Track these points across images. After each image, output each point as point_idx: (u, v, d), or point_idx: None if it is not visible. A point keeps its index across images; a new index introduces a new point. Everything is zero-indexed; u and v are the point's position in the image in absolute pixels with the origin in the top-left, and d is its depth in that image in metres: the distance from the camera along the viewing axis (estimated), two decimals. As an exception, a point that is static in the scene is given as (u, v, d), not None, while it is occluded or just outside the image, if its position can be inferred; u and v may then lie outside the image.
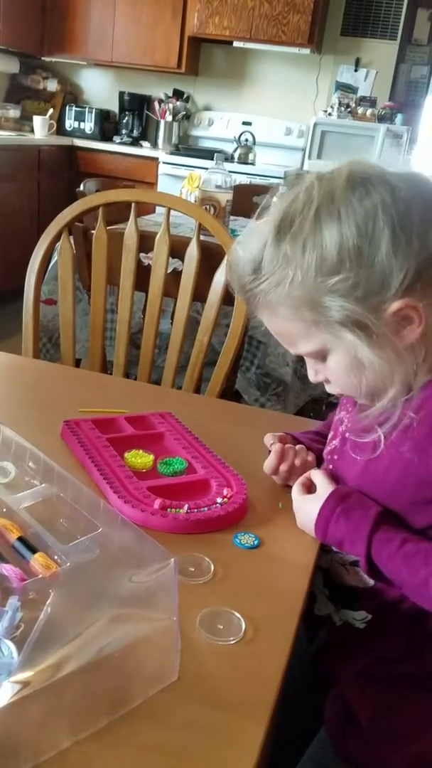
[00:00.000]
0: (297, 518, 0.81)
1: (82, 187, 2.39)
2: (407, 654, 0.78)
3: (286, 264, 0.66)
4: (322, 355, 0.72)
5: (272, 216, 0.68)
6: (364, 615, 0.81)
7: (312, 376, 0.77)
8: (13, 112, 4.58)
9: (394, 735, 0.76)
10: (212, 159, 2.56)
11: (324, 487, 0.79)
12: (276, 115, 4.57)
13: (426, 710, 0.77)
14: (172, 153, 4.35)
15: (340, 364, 0.71)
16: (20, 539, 0.66)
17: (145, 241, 1.51)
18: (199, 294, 1.47)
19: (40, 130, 4.40)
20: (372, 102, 4.22)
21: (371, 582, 0.78)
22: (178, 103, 4.65)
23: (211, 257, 1.45)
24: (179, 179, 3.51)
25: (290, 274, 0.66)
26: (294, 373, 2.00)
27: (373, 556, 0.72)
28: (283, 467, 0.87)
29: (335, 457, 0.84)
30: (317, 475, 0.82)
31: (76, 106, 4.74)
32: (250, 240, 0.69)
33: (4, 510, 0.72)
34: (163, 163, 4.27)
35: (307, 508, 0.78)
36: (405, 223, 0.63)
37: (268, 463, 0.88)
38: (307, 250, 0.65)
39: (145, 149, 4.53)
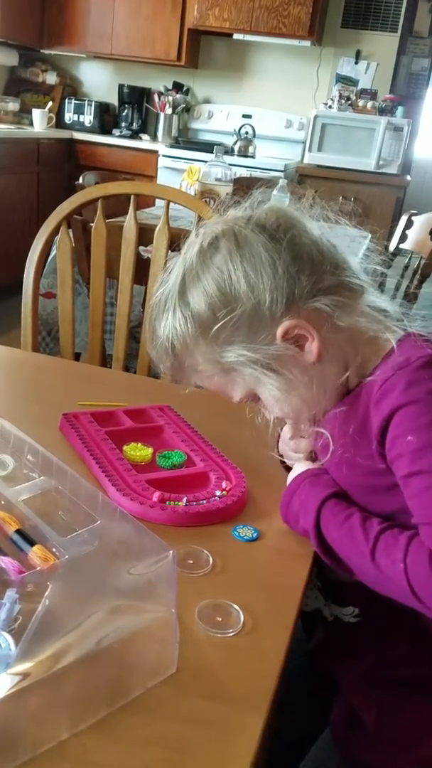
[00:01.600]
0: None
1: (81, 180, 2.39)
2: (409, 658, 0.78)
3: (177, 336, 0.74)
4: (254, 396, 0.77)
5: (162, 298, 0.76)
6: (352, 610, 0.81)
7: (267, 415, 0.80)
8: (12, 105, 4.56)
9: (400, 739, 0.76)
10: (212, 152, 2.55)
11: (304, 464, 0.82)
12: (276, 108, 4.56)
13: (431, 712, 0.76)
14: (171, 146, 4.33)
15: (267, 399, 0.76)
16: (18, 532, 0.66)
17: (145, 234, 1.50)
18: (199, 287, 1.46)
19: (39, 123, 4.39)
20: (372, 94, 4.21)
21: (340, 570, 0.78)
22: (178, 95, 4.63)
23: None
24: (179, 172, 3.50)
25: (185, 342, 0.74)
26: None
27: (322, 527, 0.73)
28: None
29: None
30: (300, 462, 0.84)
31: (76, 99, 4.72)
32: (153, 325, 0.77)
33: (3, 503, 0.72)
34: (163, 156, 4.25)
35: (288, 480, 0.81)
36: (252, 259, 0.70)
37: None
38: (186, 317, 0.73)
39: (144, 142, 4.51)
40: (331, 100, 4.17)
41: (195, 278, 0.72)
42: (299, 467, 0.82)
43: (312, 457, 0.84)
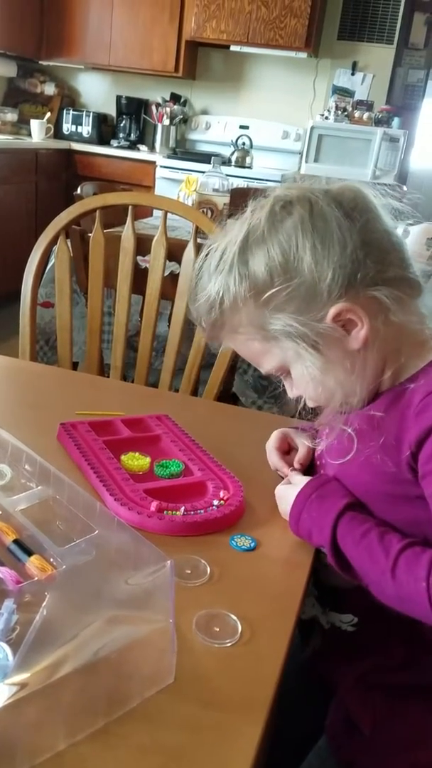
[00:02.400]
0: (279, 507, 0.82)
1: (79, 191, 2.40)
2: (406, 664, 0.78)
3: (229, 293, 0.72)
4: (285, 371, 0.76)
5: (217, 252, 0.74)
6: (351, 618, 0.81)
7: (289, 392, 0.79)
8: (11, 116, 4.59)
9: (396, 743, 0.76)
10: (209, 162, 2.56)
11: (303, 479, 0.80)
12: (273, 119, 4.58)
13: (428, 717, 0.76)
14: (169, 156, 4.35)
15: (300, 377, 0.75)
16: (16, 542, 0.66)
17: (143, 244, 1.51)
18: (196, 297, 1.47)
19: (37, 133, 4.41)
20: (369, 105, 4.23)
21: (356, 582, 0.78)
22: (176, 106, 4.66)
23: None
24: (177, 183, 3.52)
25: (235, 301, 0.72)
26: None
27: (339, 541, 0.72)
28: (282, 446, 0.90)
29: (322, 461, 0.84)
30: (297, 474, 0.83)
31: (74, 110, 4.74)
32: (202, 279, 0.75)
33: (0, 512, 0.72)
34: (161, 166, 4.27)
35: (288, 494, 0.80)
36: (324, 233, 0.69)
37: (269, 444, 0.91)
38: (242, 276, 0.71)
39: (142, 153, 4.53)
40: (328, 111, 4.19)
41: (260, 239, 0.70)
42: (297, 479, 0.81)
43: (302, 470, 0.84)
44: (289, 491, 0.80)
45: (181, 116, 4.69)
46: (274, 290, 0.69)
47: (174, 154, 4.44)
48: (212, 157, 2.68)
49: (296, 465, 0.86)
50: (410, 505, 0.70)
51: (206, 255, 0.75)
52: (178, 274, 1.49)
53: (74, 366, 1.67)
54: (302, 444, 0.89)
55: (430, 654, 0.77)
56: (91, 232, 1.51)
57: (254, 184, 3.83)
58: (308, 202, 0.70)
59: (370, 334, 0.70)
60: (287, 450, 0.90)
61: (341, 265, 0.68)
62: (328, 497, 0.75)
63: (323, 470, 0.83)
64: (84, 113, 4.69)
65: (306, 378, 0.74)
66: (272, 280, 0.69)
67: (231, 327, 0.75)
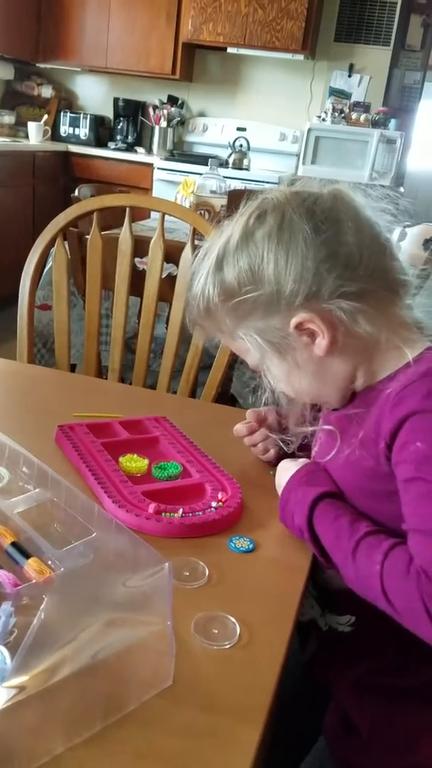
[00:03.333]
0: (277, 481, 0.85)
1: (76, 193, 2.40)
2: (402, 665, 0.78)
3: (205, 296, 0.77)
4: (261, 366, 0.80)
5: (203, 255, 0.79)
6: (348, 618, 0.81)
7: (267, 385, 0.83)
8: (8, 119, 4.59)
9: (393, 744, 0.76)
10: (207, 164, 2.57)
11: (303, 461, 0.84)
12: (270, 121, 4.59)
13: (423, 717, 0.76)
14: (166, 159, 4.36)
15: (274, 375, 0.79)
16: (14, 544, 0.66)
17: (140, 246, 1.51)
18: (194, 298, 1.47)
19: (34, 136, 4.41)
20: (366, 107, 4.24)
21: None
22: (173, 109, 4.66)
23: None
24: (174, 185, 3.52)
25: (210, 304, 0.77)
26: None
27: (314, 522, 0.74)
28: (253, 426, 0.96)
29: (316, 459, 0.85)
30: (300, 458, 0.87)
31: (71, 112, 4.75)
32: (193, 277, 0.80)
33: (-2, 515, 0.71)
34: (158, 168, 4.28)
35: (287, 473, 0.83)
36: (288, 246, 0.71)
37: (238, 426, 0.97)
38: (215, 282, 0.76)
39: (139, 155, 4.53)
40: (325, 113, 4.20)
41: (233, 248, 0.74)
42: (290, 464, 0.83)
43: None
44: (289, 470, 0.83)
45: (179, 118, 4.69)
46: (240, 298, 0.74)
47: (171, 156, 4.44)
48: (209, 159, 2.68)
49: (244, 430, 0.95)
50: (391, 501, 0.70)
51: (197, 255, 0.80)
52: (176, 276, 1.49)
53: (72, 368, 1.67)
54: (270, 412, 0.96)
55: (423, 657, 0.77)
56: (88, 234, 1.50)
57: (251, 186, 3.83)
58: (281, 214, 0.73)
59: (332, 344, 0.73)
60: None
61: (302, 279, 0.71)
62: (313, 484, 0.78)
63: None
64: (81, 116, 4.69)
65: (277, 376, 0.79)
66: (239, 288, 0.74)
67: (212, 325, 0.80)
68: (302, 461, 0.84)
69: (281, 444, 0.91)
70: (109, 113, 4.84)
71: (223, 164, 4.23)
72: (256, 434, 0.96)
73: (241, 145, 4.42)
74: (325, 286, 0.71)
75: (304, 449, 0.88)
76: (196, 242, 1.45)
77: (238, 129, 4.59)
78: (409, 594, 0.63)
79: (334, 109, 4.16)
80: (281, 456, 0.90)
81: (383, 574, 0.65)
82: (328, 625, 0.83)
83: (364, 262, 0.72)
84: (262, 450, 0.96)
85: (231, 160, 4.32)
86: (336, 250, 0.71)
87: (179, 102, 4.74)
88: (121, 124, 4.75)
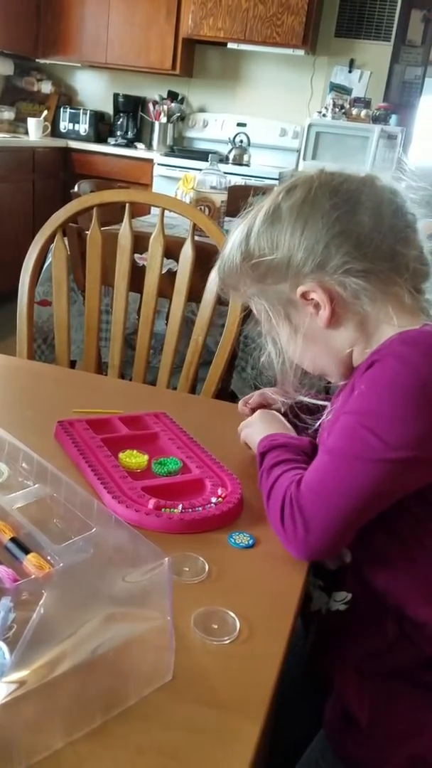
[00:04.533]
0: (243, 433, 0.95)
1: (76, 188, 2.39)
2: (398, 641, 0.78)
3: (231, 256, 0.83)
4: (270, 329, 0.85)
5: (239, 222, 0.84)
6: (344, 595, 0.81)
7: (270, 348, 0.87)
8: (8, 114, 4.58)
9: (393, 735, 0.76)
10: (207, 160, 2.55)
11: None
12: (270, 117, 4.58)
13: (423, 708, 0.77)
14: (166, 154, 4.35)
15: (283, 338, 0.84)
16: (13, 540, 0.66)
17: (140, 242, 1.51)
18: (194, 294, 1.47)
19: (34, 131, 4.40)
20: (366, 103, 4.23)
21: (348, 558, 0.80)
22: (173, 104, 4.65)
23: (205, 257, 1.45)
24: (174, 180, 3.52)
25: (234, 263, 0.83)
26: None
27: (266, 455, 0.84)
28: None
29: (322, 438, 0.87)
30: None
31: (71, 108, 4.74)
32: (229, 236, 0.85)
33: (-2, 511, 0.71)
34: (158, 164, 4.27)
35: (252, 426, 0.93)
36: (306, 219, 0.76)
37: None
38: (241, 244, 0.81)
39: (139, 151, 4.53)
40: (325, 108, 4.19)
41: (263, 218, 0.79)
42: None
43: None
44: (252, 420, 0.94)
45: (179, 114, 4.69)
46: (256, 260, 0.79)
47: (171, 152, 4.43)
48: (210, 155, 2.67)
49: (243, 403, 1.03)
50: None
51: (239, 217, 0.84)
52: (176, 271, 1.48)
53: (72, 364, 1.67)
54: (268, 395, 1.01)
55: (419, 629, 0.77)
56: (88, 230, 1.50)
57: (252, 182, 3.82)
58: (307, 189, 0.78)
59: (332, 317, 0.77)
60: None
61: (313, 251, 0.75)
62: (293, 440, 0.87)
63: (319, 442, 0.86)
64: (81, 111, 4.69)
65: (284, 340, 0.84)
66: (259, 252, 0.79)
67: (233, 284, 0.86)
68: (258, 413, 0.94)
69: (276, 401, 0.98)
70: (108, 109, 4.83)
71: (224, 160, 4.22)
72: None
73: (241, 141, 4.41)
74: (332, 261, 0.75)
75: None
76: (196, 238, 1.45)
77: (239, 124, 4.58)
78: (280, 491, 0.75)
79: (334, 105, 4.15)
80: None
81: (278, 478, 0.77)
82: (328, 608, 0.83)
83: (375, 245, 0.75)
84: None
85: (231, 156, 4.31)
86: (349, 228, 0.75)
87: (179, 97, 4.73)
88: (120, 119, 4.75)
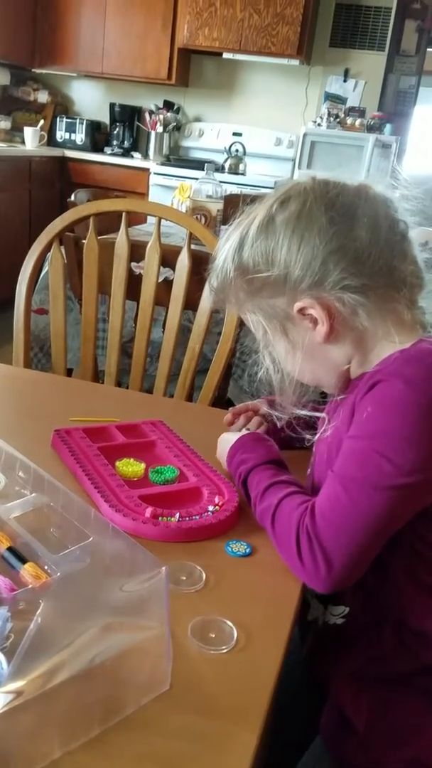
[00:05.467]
0: (218, 450, 0.95)
1: (73, 198, 2.40)
2: (396, 652, 0.78)
3: (224, 269, 0.81)
4: (266, 343, 0.84)
5: (231, 230, 0.82)
6: (342, 609, 0.81)
7: (266, 361, 0.86)
8: (4, 124, 4.59)
9: (390, 739, 0.76)
10: (203, 169, 2.57)
11: (243, 431, 0.95)
12: (266, 126, 4.60)
13: (419, 712, 0.77)
14: (163, 164, 4.36)
15: (278, 352, 0.83)
16: (10, 549, 0.66)
17: (136, 251, 1.51)
18: (191, 302, 1.47)
19: (31, 141, 4.41)
20: (361, 112, 4.25)
21: None
22: (169, 114, 4.67)
23: (202, 266, 1.45)
24: (170, 189, 3.52)
25: (227, 277, 0.81)
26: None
27: (248, 479, 0.84)
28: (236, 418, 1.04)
29: (318, 448, 0.87)
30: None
31: (67, 118, 4.76)
32: (219, 249, 0.83)
33: (-5, 520, 0.71)
34: (154, 173, 4.28)
35: (223, 444, 0.93)
36: (302, 234, 0.74)
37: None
38: (235, 258, 0.79)
39: (136, 160, 4.54)
40: (320, 117, 4.21)
41: (256, 230, 0.77)
42: (230, 435, 0.93)
43: None
44: (229, 436, 0.93)
45: (175, 123, 4.70)
46: (252, 276, 0.78)
47: (167, 161, 4.45)
48: (206, 164, 2.69)
49: (229, 415, 1.04)
50: None
51: (229, 226, 0.83)
52: (172, 280, 1.49)
53: (69, 372, 1.67)
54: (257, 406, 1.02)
55: (418, 640, 0.77)
56: (85, 239, 1.51)
57: (247, 191, 3.83)
58: (303, 202, 0.76)
59: (330, 332, 0.76)
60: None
61: (310, 267, 0.74)
62: (262, 443, 0.89)
63: (316, 457, 0.86)
64: (77, 121, 4.70)
65: (280, 354, 0.83)
66: (253, 267, 0.78)
67: (226, 297, 0.84)
68: (242, 432, 0.93)
69: (275, 419, 0.95)
70: (105, 118, 4.85)
71: (219, 169, 4.24)
72: (240, 419, 1.04)
73: (237, 150, 4.43)
74: (329, 277, 0.74)
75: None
76: (193, 246, 1.46)
77: (234, 134, 4.60)
78: (291, 522, 0.72)
79: (329, 114, 4.17)
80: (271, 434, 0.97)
81: (279, 504, 0.75)
82: (324, 621, 0.83)
83: (372, 260, 0.74)
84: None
85: (227, 165, 4.33)
86: (346, 244, 0.74)
87: (175, 107, 4.75)
88: (117, 129, 4.76)
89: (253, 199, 0.82)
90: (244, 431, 0.95)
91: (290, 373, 0.83)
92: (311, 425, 0.89)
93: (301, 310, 0.76)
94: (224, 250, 0.81)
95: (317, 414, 0.85)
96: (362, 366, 0.79)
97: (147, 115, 4.70)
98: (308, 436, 0.86)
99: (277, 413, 0.90)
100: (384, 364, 0.74)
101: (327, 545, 0.69)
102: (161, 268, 1.49)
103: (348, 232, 0.74)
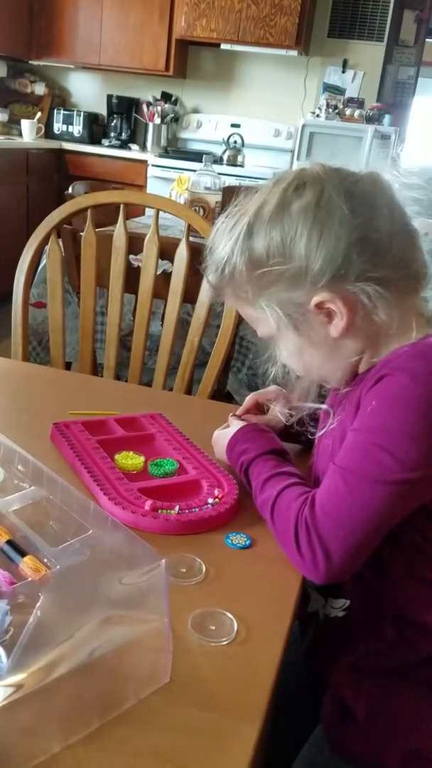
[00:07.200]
0: (215, 450, 0.93)
1: (70, 190, 2.39)
2: (396, 644, 0.78)
3: (231, 261, 0.76)
4: (274, 338, 0.81)
5: (234, 218, 0.78)
6: (343, 602, 0.81)
7: (277, 358, 0.84)
8: (1, 116, 4.57)
9: (390, 730, 0.77)
10: (201, 161, 2.56)
11: (240, 423, 0.92)
12: (264, 117, 4.58)
13: (419, 703, 0.77)
14: (161, 155, 4.35)
15: (284, 348, 0.80)
16: (9, 542, 0.66)
17: (135, 243, 1.50)
18: (189, 295, 1.46)
19: (28, 133, 4.39)
20: (360, 103, 4.24)
21: None
22: (167, 105, 4.65)
23: (200, 258, 1.45)
24: (169, 181, 3.51)
25: (234, 270, 0.76)
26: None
27: (250, 469, 0.83)
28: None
29: (320, 442, 0.86)
30: (235, 420, 0.94)
31: (65, 110, 4.73)
32: (216, 236, 0.79)
33: (-6, 513, 0.71)
34: (152, 165, 4.27)
35: (225, 433, 0.91)
36: (323, 224, 0.71)
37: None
38: (244, 250, 0.75)
39: (134, 152, 4.52)
40: (319, 109, 4.20)
41: (266, 218, 0.73)
42: (235, 424, 0.91)
43: None
44: (225, 431, 0.92)
45: (173, 115, 4.68)
46: (266, 269, 0.73)
47: (165, 153, 4.43)
48: (204, 156, 2.68)
49: (238, 412, 0.98)
50: None
51: (227, 215, 0.78)
52: (171, 272, 1.48)
53: (67, 366, 1.66)
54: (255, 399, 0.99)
55: (418, 633, 0.77)
56: (82, 232, 1.50)
57: (246, 182, 3.82)
58: (320, 189, 0.72)
59: (348, 327, 0.73)
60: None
61: (331, 259, 0.71)
62: (261, 434, 0.87)
63: (318, 450, 0.85)
64: (75, 113, 4.68)
65: (289, 350, 0.79)
66: (267, 259, 0.73)
67: (230, 290, 0.80)
68: (236, 423, 0.91)
69: (281, 416, 0.94)
70: (102, 110, 4.83)
71: (218, 161, 4.22)
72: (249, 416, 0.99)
73: (235, 142, 4.42)
74: (352, 270, 0.71)
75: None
76: (191, 239, 1.45)
77: (232, 125, 4.58)
78: (290, 513, 0.72)
79: (328, 105, 4.15)
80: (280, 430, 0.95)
81: (279, 496, 0.75)
82: (325, 614, 0.83)
83: (393, 250, 0.72)
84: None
85: (225, 157, 4.31)
86: (368, 234, 0.71)
87: (173, 99, 4.73)
88: (114, 121, 4.74)
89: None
90: (241, 423, 0.92)
91: (296, 368, 0.81)
92: (314, 418, 0.89)
93: (319, 305, 0.73)
94: (227, 240, 0.76)
95: (319, 406, 0.84)
96: (372, 359, 0.77)
97: (145, 107, 4.68)
98: (312, 429, 0.85)
99: (288, 411, 0.89)
100: (392, 357, 0.73)
101: (325, 537, 0.69)
102: (159, 260, 1.49)
103: (369, 222, 0.71)
